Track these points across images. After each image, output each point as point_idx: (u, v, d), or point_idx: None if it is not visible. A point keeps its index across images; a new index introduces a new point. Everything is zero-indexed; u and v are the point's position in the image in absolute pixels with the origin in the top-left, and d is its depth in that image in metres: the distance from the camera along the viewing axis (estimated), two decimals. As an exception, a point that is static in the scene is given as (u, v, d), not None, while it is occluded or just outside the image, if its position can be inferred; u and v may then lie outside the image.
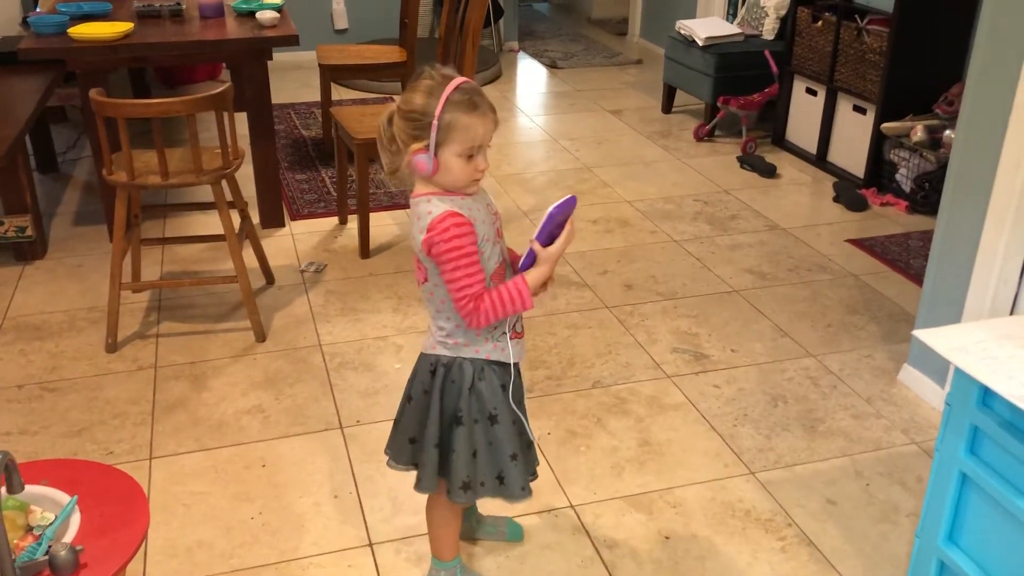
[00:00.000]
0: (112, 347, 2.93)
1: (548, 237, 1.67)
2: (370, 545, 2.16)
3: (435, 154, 1.61)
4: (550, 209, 1.64)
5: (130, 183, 2.81)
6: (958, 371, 1.60)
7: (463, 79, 1.62)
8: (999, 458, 1.59)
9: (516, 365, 1.81)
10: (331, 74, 4.49)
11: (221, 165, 2.90)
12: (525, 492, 1.83)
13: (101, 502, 1.58)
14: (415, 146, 1.62)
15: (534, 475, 1.93)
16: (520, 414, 1.82)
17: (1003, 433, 1.55)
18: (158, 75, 5.51)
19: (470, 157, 1.63)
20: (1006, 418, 1.56)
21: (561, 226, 1.68)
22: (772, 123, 4.90)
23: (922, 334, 1.66)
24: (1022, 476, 1.54)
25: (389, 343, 2.99)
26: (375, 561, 2.11)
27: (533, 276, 1.68)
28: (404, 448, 1.87)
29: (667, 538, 2.18)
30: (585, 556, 2.13)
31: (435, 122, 1.58)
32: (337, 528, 2.21)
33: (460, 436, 1.77)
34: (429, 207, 1.64)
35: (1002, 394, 1.48)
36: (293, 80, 5.98)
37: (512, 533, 2.17)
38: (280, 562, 2.10)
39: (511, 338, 1.77)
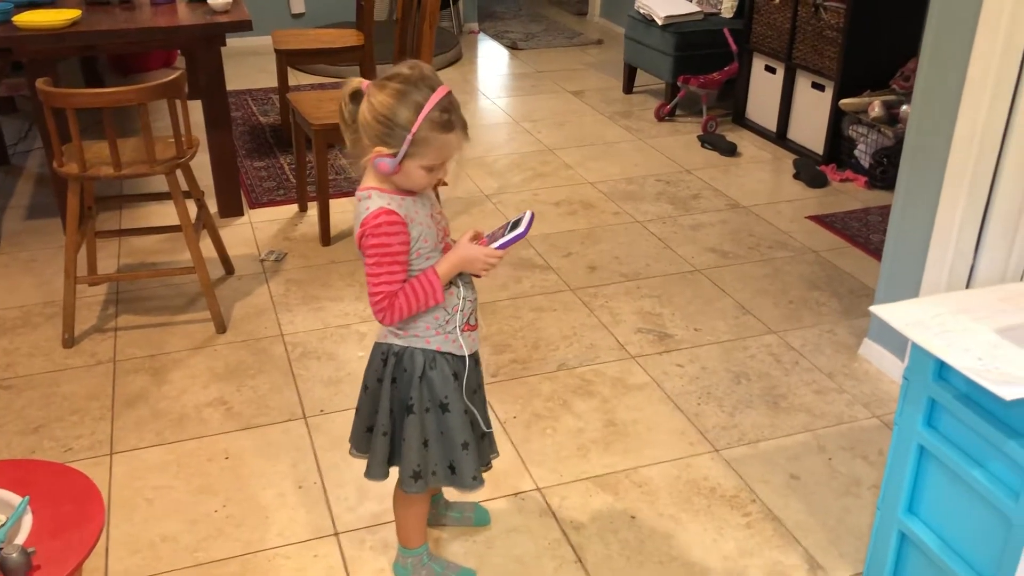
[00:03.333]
0: (69, 342, 2.87)
1: (495, 244, 1.68)
2: (336, 534, 2.14)
3: (400, 162, 1.59)
4: (522, 229, 1.65)
5: (82, 175, 2.75)
6: (915, 345, 1.61)
7: (444, 89, 1.59)
8: (956, 430, 1.61)
9: (472, 356, 1.80)
10: (288, 59, 4.43)
11: (175, 155, 2.85)
12: (476, 482, 1.83)
13: (54, 502, 1.55)
14: (382, 149, 1.59)
15: (488, 465, 1.92)
16: (472, 407, 1.81)
17: (959, 405, 1.56)
18: (111, 63, 5.39)
19: (432, 169, 1.62)
20: (962, 391, 1.58)
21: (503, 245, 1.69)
22: (732, 101, 4.92)
23: (879, 309, 1.67)
24: (978, 447, 1.56)
25: (352, 331, 2.96)
26: (341, 550, 2.10)
27: (444, 269, 1.68)
28: (362, 436, 1.87)
29: (633, 517, 2.19)
30: (552, 538, 2.13)
31: (410, 137, 1.56)
32: (302, 518, 2.19)
33: (411, 425, 1.77)
34: (368, 203, 1.64)
35: (957, 367, 1.49)
36: (250, 66, 5.89)
37: (479, 518, 2.16)
38: (245, 554, 2.08)
39: (464, 330, 1.76)
